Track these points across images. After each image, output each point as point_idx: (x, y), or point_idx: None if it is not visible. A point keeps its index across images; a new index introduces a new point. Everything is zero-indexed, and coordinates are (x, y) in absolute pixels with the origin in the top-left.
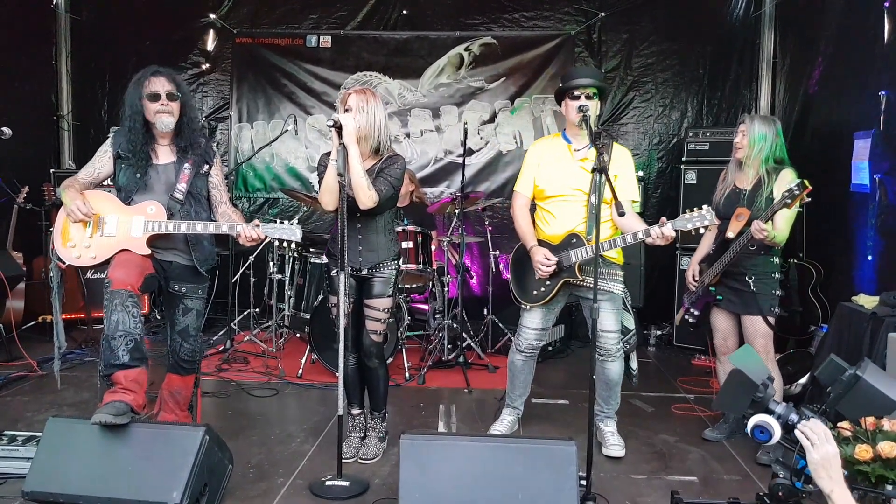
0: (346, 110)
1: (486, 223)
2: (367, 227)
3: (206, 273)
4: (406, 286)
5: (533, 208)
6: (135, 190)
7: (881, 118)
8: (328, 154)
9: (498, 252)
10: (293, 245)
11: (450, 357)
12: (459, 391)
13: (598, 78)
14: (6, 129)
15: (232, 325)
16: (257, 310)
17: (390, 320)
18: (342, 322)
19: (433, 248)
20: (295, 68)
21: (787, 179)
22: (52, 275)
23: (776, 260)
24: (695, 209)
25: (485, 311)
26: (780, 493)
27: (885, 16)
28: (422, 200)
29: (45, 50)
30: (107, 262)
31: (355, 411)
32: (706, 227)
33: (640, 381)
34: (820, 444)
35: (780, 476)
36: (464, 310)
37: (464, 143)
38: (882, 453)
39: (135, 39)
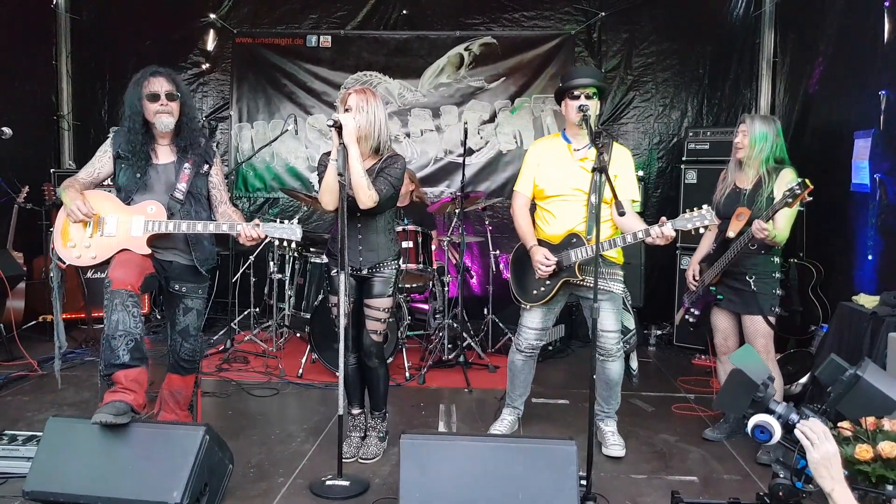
0: (347, 110)
1: (487, 223)
2: (368, 227)
3: (206, 273)
4: (406, 286)
5: (533, 208)
6: (135, 190)
7: (881, 118)
8: (328, 154)
9: (498, 252)
10: (293, 245)
11: (450, 357)
12: (460, 391)
13: (597, 78)
14: (6, 129)
15: (232, 324)
16: (257, 309)
17: (390, 320)
18: (342, 322)
19: (433, 247)
20: (295, 68)
21: (788, 179)
22: (52, 274)
23: (777, 259)
24: (695, 209)
25: (485, 311)
26: (781, 493)
27: (886, 15)
28: (422, 200)
29: (46, 50)
30: (107, 262)
31: (355, 411)
32: (706, 227)
33: (641, 380)
34: (820, 443)
35: (781, 476)
36: (464, 309)
37: (464, 143)
38: (882, 453)
39: (135, 39)
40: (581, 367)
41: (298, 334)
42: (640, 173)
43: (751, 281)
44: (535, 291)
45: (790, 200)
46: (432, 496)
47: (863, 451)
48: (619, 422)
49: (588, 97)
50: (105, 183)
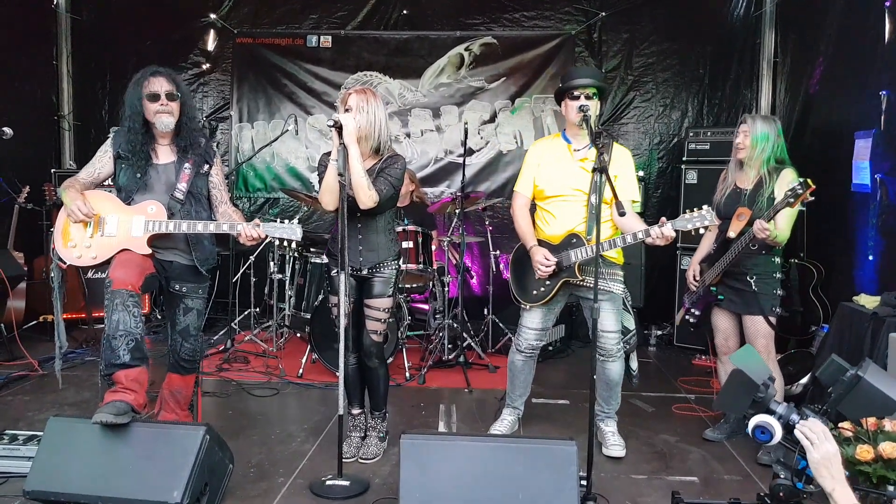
0: (347, 110)
1: (487, 223)
2: (368, 227)
3: (206, 273)
4: (406, 286)
5: (533, 208)
6: (135, 190)
7: (882, 118)
8: (328, 154)
9: (498, 252)
10: (293, 245)
11: (450, 357)
12: (460, 391)
13: (597, 78)
14: (7, 129)
15: (232, 324)
16: (258, 309)
17: (390, 320)
18: (342, 322)
19: (433, 247)
20: (295, 68)
21: (788, 179)
22: (52, 275)
23: (777, 260)
24: (695, 209)
25: (485, 311)
26: (781, 494)
27: (886, 15)
28: (422, 200)
29: (46, 50)
30: (107, 262)
31: (356, 411)
32: (706, 228)
33: (641, 381)
34: (819, 443)
35: (782, 476)
36: (464, 309)
37: (464, 143)
38: (883, 454)
39: (135, 39)
40: (581, 368)
41: (299, 334)
42: (641, 173)
43: (752, 281)
44: (534, 292)
45: (792, 200)
46: (432, 496)
47: (864, 452)
48: (619, 422)
49: (588, 97)
50: (105, 183)
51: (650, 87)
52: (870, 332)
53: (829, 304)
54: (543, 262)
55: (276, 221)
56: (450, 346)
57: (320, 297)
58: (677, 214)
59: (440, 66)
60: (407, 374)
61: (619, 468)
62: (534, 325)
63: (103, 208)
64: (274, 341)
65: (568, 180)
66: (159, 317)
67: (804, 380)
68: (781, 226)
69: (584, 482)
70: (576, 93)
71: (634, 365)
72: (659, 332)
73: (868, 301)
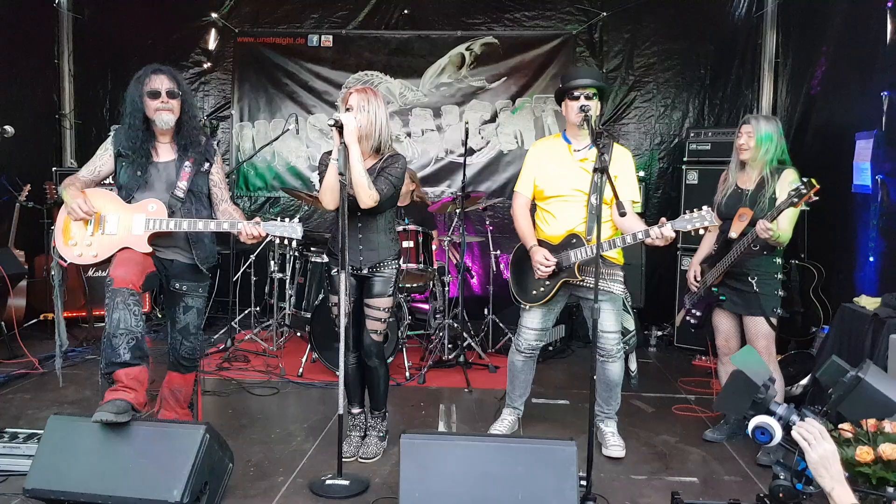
0: (348, 109)
1: (487, 223)
2: (368, 227)
3: (206, 271)
4: (407, 285)
5: (533, 209)
6: (135, 188)
7: (883, 119)
8: (329, 153)
9: (499, 252)
10: (294, 244)
11: (450, 357)
12: (460, 391)
13: (597, 78)
14: (9, 128)
15: (233, 323)
16: (258, 308)
17: (391, 320)
18: (342, 321)
19: (434, 247)
20: (296, 67)
21: (790, 179)
22: (53, 273)
23: (778, 260)
24: (695, 210)
25: (485, 311)
26: (781, 495)
27: (888, 16)
28: (423, 200)
29: (47, 48)
30: (108, 261)
31: (356, 410)
32: (706, 228)
33: (641, 381)
34: (817, 443)
35: (781, 477)
36: (464, 309)
37: (465, 143)
38: (883, 455)
39: (136, 38)
40: (581, 368)
41: (299, 333)
42: (641, 174)
43: (753, 282)
44: (534, 291)
45: (796, 200)
46: (432, 496)
47: (863, 453)
48: (619, 422)
49: (588, 98)
50: (106, 181)
51: (651, 87)
52: (870, 333)
53: (830, 305)
54: (543, 262)
55: (276, 220)
56: (450, 345)
57: (321, 296)
58: (678, 215)
59: (441, 66)
60: (407, 374)
61: (618, 468)
62: (533, 325)
63: (104, 206)
64: (274, 340)
65: (568, 180)
66: (160, 315)
67: (804, 381)
68: (783, 226)
69: (583, 482)
70: (576, 93)
71: (633, 366)
72: (659, 333)
73: (868, 302)
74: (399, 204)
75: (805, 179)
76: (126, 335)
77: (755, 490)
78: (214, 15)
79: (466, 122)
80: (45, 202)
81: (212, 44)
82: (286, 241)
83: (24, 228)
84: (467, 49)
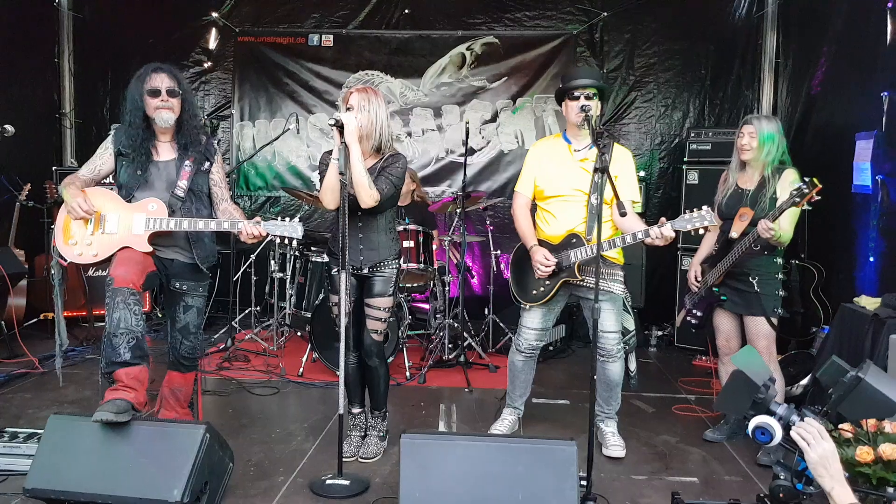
0: (348, 109)
1: (488, 222)
2: (368, 226)
3: (207, 271)
4: (407, 285)
5: (534, 208)
6: (136, 187)
7: (883, 119)
8: (330, 152)
9: (499, 251)
10: (294, 243)
11: (450, 356)
12: (460, 391)
13: (597, 78)
14: (9, 127)
15: (233, 323)
16: (258, 308)
17: (391, 319)
18: (343, 321)
19: (434, 247)
20: (297, 67)
21: (791, 179)
22: (53, 272)
23: (779, 260)
24: (695, 210)
25: (486, 311)
26: (781, 495)
27: (888, 16)
28: (423, 199)
29: (48, 48)
30: (108, 260)
31: (356, 410)
32: (706, 228)
33: (641, 381)
34: (816, 442)
35: (781, 477)
36: (465, 309)
37: (465, 143)
38: (883, 455)
39: (137, 37)
40: (581, 368)
41: (299, 333)
42: (642, 174)
43: (754, 282)
44: (534, 291)
45: (798, 199)
46: (432, 496)
47: (864, 454)
48: (619, 422)
49: (588, 98)
50: (106, 181)
51: (651, 87)
52: (870, 333)
53: (830, 305)
54: (543, 261)
55: (277, 220)
56: (450, 345)
57: (321, 295)
58: (678, 215)
59: (442, 66)
60: (407, 374)
61: (618, 468)
62: (534, 325)
63: (104, 205)
64: (274, 340)
65: (568, 180)
66: (160, 315)
67: (805, 381)
68: (785, 226)
69: (583, 482)
70: (576, 93)
71: (633, 366)
72: (659, 333)
73: (869, 302)
74: (399, 204)
75: (807, 179)
76: (126, 335)
77: (755, 490)
78: (215, 14)
79: (467, 122)
80: (46, 201)
81: (212, 43)
82: (286, 241)
83: (24, 228)
84: (468, 49)
